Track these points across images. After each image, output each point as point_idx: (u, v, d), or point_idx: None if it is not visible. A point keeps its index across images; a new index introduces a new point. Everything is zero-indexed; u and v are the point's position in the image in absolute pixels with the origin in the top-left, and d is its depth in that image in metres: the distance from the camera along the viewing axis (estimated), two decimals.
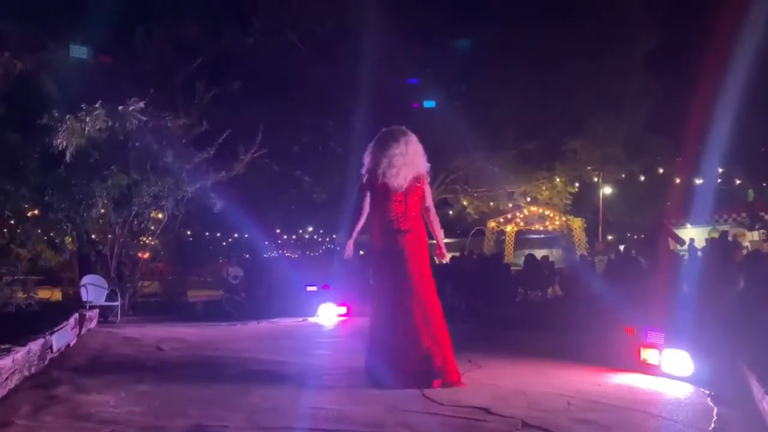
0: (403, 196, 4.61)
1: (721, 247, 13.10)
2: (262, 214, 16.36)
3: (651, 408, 3.84)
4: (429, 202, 4.77)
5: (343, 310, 9.56)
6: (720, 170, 20.10)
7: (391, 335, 4.43)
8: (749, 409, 3.72)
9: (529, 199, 21.21)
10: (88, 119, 8.98)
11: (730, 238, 14.70)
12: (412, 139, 4.72)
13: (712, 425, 3.44)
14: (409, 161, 4.63)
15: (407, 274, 4.51)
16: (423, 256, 4.62)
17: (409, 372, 4.27)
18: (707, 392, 4.19)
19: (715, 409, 3.77)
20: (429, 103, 16.70)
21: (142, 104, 9.51)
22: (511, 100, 17.06)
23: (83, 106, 8.97)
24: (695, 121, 14.42)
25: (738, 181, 22.13)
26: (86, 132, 9.07)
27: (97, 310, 8.78)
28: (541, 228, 21.90)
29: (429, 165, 4.81)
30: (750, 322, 6.34)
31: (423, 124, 16.90)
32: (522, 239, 23.16)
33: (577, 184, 21.26)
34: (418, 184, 4.66)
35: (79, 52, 9.64)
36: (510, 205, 21.85)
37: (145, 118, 9.63)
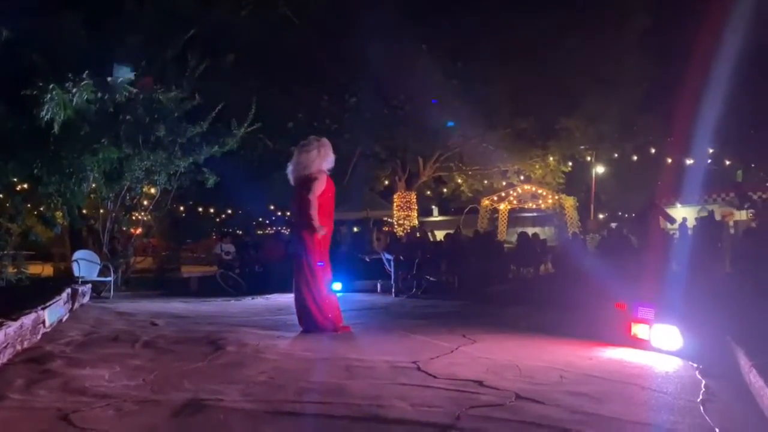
0: (298, 191, 5.77)
1: (709, 227, 13.26)
2: (255, 190, 16.29)
3: (641, 381, 3.90)
4: (311, 193, 5.65)
5: (339, 285, 9.60)
6: (710, 151, 20.19)
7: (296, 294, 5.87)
8: (736, 382, 3.79)
9: (522, 178, 21.25)
10: (75, 90, 8.80)
11: (717, 218, 14.88)
12: (309, 145, 5.84)
13: (701, 397, 3.51)
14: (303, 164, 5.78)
15: (300, 254, 5.73)
16: (313, 241, 5.69)
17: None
18: (696, 365, 4.26)
19: (704, 382, 3.84)
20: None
21: (132, 75, 9.34)
22: (507, 78, 16.96)
23: (70, 76, 8.77)
24: (687, 102, 14.43)
25: (727, 162, 22.25)
26: (74, 103, 8.89)
27: (89, 286, 8.76)
28: (534, 206, 22.00)
29: (326, 164, 5.83)
30: (737, 298, 6.45)
31: (418, 102, 16.89)
32: (515, 217, 23.27)
33: (570, 163, 21.31)
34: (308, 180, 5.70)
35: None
36: (504, 183, 21.90)
37: (135, 90, 9.47)
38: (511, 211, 22.79)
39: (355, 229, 18.37)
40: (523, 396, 3.42)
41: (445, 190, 25.12)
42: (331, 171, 5.98)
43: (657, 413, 3.22)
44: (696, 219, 15.12)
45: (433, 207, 29.74)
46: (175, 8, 10.98)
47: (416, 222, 20.68)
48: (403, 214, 20.42)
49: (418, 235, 14.22)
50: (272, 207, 23.95)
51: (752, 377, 3.54)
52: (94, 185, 9.87)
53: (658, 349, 4.72)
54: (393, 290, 9.76)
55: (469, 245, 12.53)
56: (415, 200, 21.08)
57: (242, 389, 3.57)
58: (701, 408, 3.29)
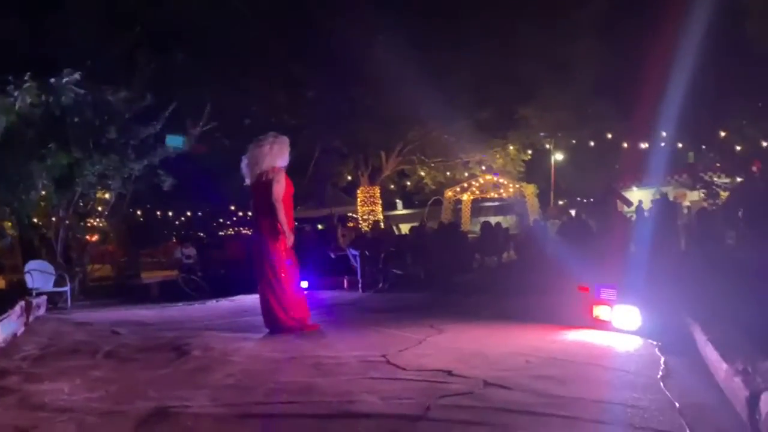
0: (254, 189, 5.69)
1: (664, 208, 13.71)
2: (215, 190, 16.00)
3: (604, 361, 4.01)
4: (275, 199, 5.50)
5: (305, 283, 9.51)
6: (663, 134, 20.81)
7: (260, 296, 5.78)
8: (693, 357, 3.94)
9: (484, 168, 21.52)
10: (17, 93, 8.42)
11: (671, 199, 15.40)
12: (262, 141, 5.73)
13: (660, 373, 3.63)
14: (255, 160, 5.67)
15: (262, 254, 5.64)
16: (276, 240, 5.60)
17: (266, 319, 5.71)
18: (655, 343, 4.41)
19: (662, 359, 3.97)
20: None
21: (77, 76, 8.99)
22: (463, 67, 17.09)
23: (10, 78, 8.40)
24: (641, 86, 14.80)
25: (680, 144, 22.99)
26: (17, 108, 8.52)
27: (45, 297, 8.43)
28: (496, 195, 22.32)
29: (281, 162, 5.68)
30: (692, 276, 6.69)
31: (376, 93, 16.86)
32: (478, 207, 23.55)
33: (529, 152, 21.70)
34: (264, 179, 5.59)
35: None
36: (466, 174, 22.13)
37: (82, 92, 9.12)
38: (474, 201, 23.06)
39: (320, 227, 18.27)
40: (491, 383, 3.46)
41: (408, 183, 25.24)
42: (290, 168, 5.89)
43: (619, 391, 3.31)
44: (651, 201, 15.60)
45: (397, 201, 29.84)
46: (118, 4, 10.61)
47: (381, 216, 20.71)
48: (368, 209, 20.43)
49: (382, 226, 14.24)
50: (233, 207, 23.59)
51: (708, 351, 3.67)
52: (43, 192, 9.50)
53: (620, 329, 4.86)
54: (360, 285, 9.75)
55: (433, 237, 12.62)
56: (378, 194, 21.11)
57: (209, 394, 3.50)
58: (661, 384, 3.40)
